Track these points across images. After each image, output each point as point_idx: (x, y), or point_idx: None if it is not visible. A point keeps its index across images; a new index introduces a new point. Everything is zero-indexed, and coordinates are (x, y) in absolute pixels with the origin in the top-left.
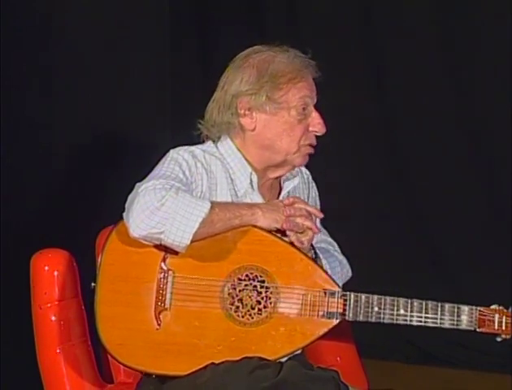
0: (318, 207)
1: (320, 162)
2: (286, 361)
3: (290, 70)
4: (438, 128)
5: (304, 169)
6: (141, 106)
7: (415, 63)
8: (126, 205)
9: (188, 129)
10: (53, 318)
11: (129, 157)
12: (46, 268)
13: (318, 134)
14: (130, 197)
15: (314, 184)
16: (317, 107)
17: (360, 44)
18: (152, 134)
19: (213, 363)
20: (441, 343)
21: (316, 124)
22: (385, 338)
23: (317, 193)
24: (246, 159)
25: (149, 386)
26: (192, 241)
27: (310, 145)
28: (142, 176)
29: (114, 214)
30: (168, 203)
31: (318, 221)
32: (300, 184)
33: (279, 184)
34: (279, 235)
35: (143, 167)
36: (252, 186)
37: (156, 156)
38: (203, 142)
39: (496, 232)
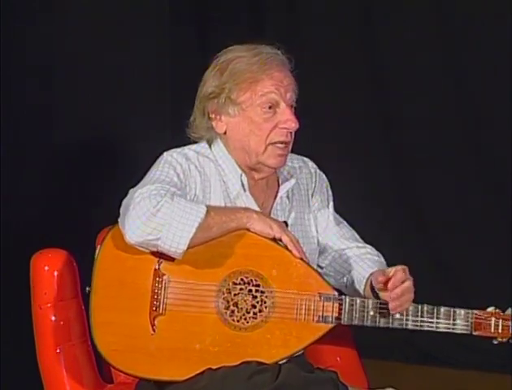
0: (331, 198)
1: (319, 162)
2: (285, 363)
3: (249, 69)
4: (438, 128)
5: (311, 163)
6: (140, 106)
7: (415, 63)
8: (121, 211)
9: (187, 127)
10: (53, 318)
11: (129, 157)
12: (46, 268)
13: (289, 130)
14: (124, 202)
15: (323, 177)
16: (289, 101)
17: (360, 44)
18: (152, 134)
19: (210, 368)
20: (441, 343)
21: (286, 121)
22: (385, 338)
23: (328, 185)
24: (236, 161)
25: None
26: (189, 247)
27: (281, 143)
28: (142, 176)
29: (114, 214)
30: (164, 209)
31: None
32: (304, 180)
33: (278, 183)
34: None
35: (143, 168)
36: (243, 188)
37: (156, 156)
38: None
39: (496, 232)
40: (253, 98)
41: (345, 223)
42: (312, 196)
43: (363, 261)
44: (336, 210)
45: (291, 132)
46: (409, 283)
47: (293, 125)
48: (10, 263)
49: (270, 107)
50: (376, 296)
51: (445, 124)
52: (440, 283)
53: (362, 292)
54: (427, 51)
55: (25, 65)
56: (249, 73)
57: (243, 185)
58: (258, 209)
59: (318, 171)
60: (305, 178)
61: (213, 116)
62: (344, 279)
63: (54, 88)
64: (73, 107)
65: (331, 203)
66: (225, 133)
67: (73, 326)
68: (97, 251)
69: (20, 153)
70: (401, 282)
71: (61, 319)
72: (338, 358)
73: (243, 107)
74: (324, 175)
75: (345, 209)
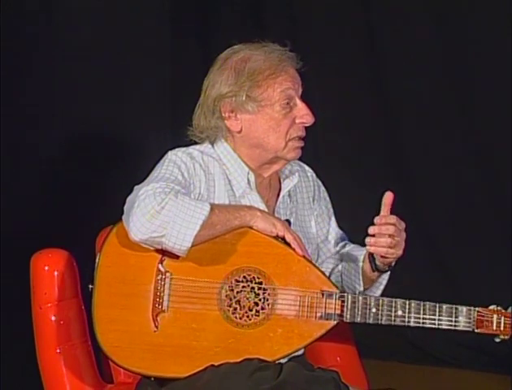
0: (330, 205)
1: (319, 161)
2: (286, 362)
3: (267, 66)
4: (438, 128)
5: (307, 168)
6: (141, 106)
7: (415, 63)
8: (125, 209)
9: (188, 129)
10: (53, 318)
11: (129, 157)
12: (46, 268)
13: (306, 124)
14: (129, 199)
15: (320, 183)
16: (303, 97)
17: (360, 44)
18: (152, 134)
19: (212, 365)
20: (441, 343)
21: (303, 115)
22: (385, 338)
23: (325, 190)
24: (242, 159)
25: (148, 388)
26: (193, 244)
27: (299, 137)
28: (142, 176)
29: (114, 214)
30: (168, 206)
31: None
32: (302, 183)
33: (279, 182)
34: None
35: (143, 167)
36: (250, 186)
37: (156, 156)
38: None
39: (496, 232)
40: (273, 95)
41: (341, 232)
42: (313, 200)
43: (356, 246)
44: (334, 211)
45: (306, 126)
46: (393, 230)
47: (310, 119)
48: (10, 263)
49: (287, 103)
50: (373, 268)
51: (445, 124)
52: (440, 284)
53: (359, 269)
54: (427, 51)
55: (25, 65)
56: (268, 70)
57: (249, 183)
58: (264, 207)
59: (314, 175)
60: (304, 181)
61: (227, 115)
62: (340, 267)
63: (54, 88)
64: (73, 107)
65: (333, 218)
66: (240, 131)
67: (73, 326)
68: (97, 256)
69: (20, 153)
70: (388, 221)
71: (61, 319)
72: (338, 358)
73: (262, 104)
74: (320, 182)
75: (344, 209)
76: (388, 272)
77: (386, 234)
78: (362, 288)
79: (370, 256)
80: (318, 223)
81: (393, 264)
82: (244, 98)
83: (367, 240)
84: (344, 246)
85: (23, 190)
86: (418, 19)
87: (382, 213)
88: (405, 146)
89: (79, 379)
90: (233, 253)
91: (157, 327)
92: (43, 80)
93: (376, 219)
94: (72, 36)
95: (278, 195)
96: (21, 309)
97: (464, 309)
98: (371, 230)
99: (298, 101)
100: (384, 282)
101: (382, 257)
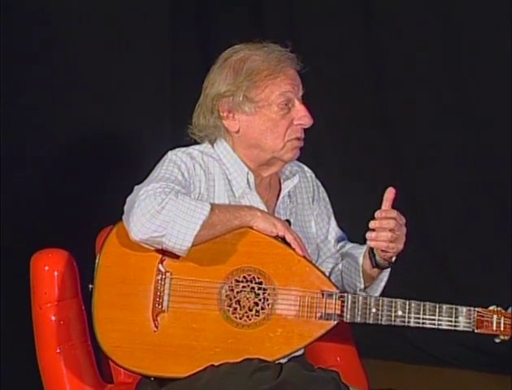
0: (329, 205)
1: (319, 162)
2: (286, 362)
3: (266, 66)
4: (438, 128)
5: (306, 168)
6: (141, 106)
7: (415, 64)
8: (125, 208)
9: (188, 129)
10: (53, 318)
11: (129, 157)
12: (46, 268)
13: (304, 126)
14: (129, 199)
15: (319, 183)
16: (303, 99)
17: (360, 43)
18: (152, 134)
19: (212, 365)
20: (441, 343)
21: (301, 117)
22: (385, 338)
23: (324, 191)
24: (241, 159)
25: (148, 388)
26: (193, 244)
27: (297, 139)
28: (142, 176)
29: (114, 214)
30: (168, 206)
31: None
32: (301, 184)
33: (279, 183)
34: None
35: (143, 167)
36: (249, 186)
37: (156, 156)
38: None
39: (496, 232)
40: (271, 96)
41: (341, 231)
42: (313, 201)
43: (355, 245)
44: (334, 211)
45: (304, 128)
46: (393, 224)
47: (308, 121)
48: (10, 263)
49: (285, 104)
50: (373, 264)
51: (445, 124)
52: (440, 284)
53: (359, 266)
54: (427, 52)
55: (25, 65)
56: (266, 71)
57: (249, 183)
58: (264, 207)
59: (313, 176)
60: (303, 182)
61: (224, 115)
62: (340, 265)
63: (54, 88)
64: (73, 107)
65: (333, 218)
66: (237, 132)
67: (73, 326)
68: (97, 256)
69: (20, 152)
70: (389, 215)
71: (61, 319)
72: (338, 358)
73: (259, 105)
74: (319, 182)
75: (344, 209)
76: (389, 269)
77: (387, 228)
78: (362, 286)
79: (371, 251)
80: (318, 223)
81: (393, 260)
82: (241, 99)
83: (368, 234)
84: (343, 246)
85: (23, 190)
86: (418, 18)
87: (383, 207)
88: (405, 146)
89: (79, 379)
90: (233, 253)
91: (157, 327)
92: (43, 80)
93: (377, 213)
94: (72, 37)
95: (278, 195)
96: (21, 309)
97: (464, 309)
98: (372, 224)
99: (297, 103)
100: (385, 279)
101: (382, 251)
